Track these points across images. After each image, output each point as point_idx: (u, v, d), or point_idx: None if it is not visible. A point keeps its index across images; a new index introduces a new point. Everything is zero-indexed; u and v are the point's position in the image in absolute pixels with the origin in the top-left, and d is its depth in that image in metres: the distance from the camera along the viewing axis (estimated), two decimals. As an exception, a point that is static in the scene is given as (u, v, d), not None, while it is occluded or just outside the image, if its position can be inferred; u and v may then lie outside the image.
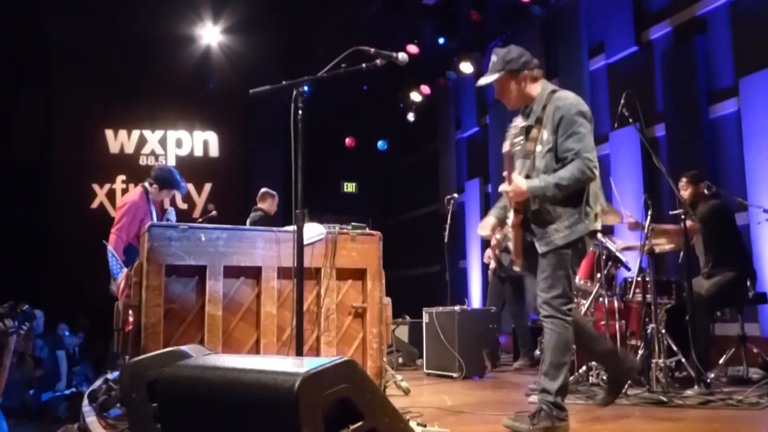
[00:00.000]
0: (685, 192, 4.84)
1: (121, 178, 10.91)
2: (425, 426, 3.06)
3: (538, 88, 3.22)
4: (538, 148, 3.09)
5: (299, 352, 2.74)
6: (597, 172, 3.07)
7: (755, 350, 4.81)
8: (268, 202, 7.06)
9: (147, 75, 10.33)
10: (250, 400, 1.73)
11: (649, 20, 7.13)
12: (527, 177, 3.10)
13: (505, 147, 3.27)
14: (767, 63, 5.71)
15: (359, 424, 1.66)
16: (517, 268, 3.30)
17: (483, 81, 3.26)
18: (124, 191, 10.83)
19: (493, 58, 3.23)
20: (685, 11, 6.65)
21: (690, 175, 4.92)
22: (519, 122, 3.30)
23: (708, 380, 4.25)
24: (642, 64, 7.13)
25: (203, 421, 1.91)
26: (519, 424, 3.01)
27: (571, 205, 3.07)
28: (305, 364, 1.71)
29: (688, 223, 4.63)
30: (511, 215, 3.20)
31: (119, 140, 11.05)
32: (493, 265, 6.58)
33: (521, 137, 3.21)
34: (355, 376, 1.76)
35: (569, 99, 3.15)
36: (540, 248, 3.09)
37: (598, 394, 4.14)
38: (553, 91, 3.20)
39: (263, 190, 7.15)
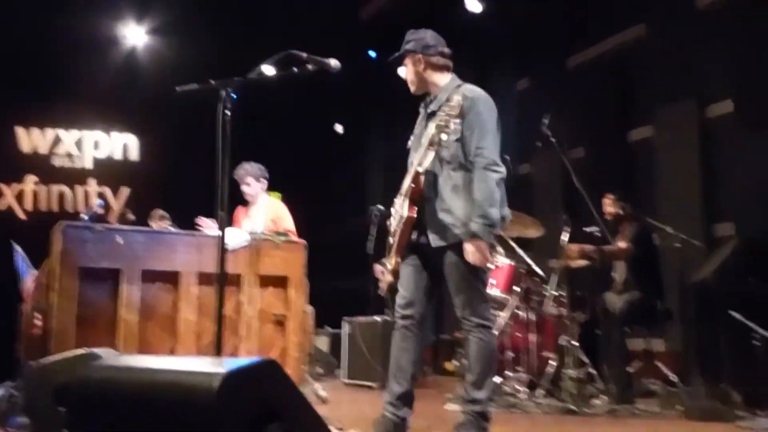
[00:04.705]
0: (609, 208, 5.00)
1: (33, 179, 10.31)
2: (343, 430, 3.05)
3: (446, 79, 3.11)
4: (443, 136, 2.84)
5: (218, 357, 2.68)
6: (503, 169, 2.96)
7: (658, 364, 5.03)
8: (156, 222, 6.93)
9: (65, 73, 9.83)
10: (167, 402, 1.68)
11: (574, 46, 7.42)
12: (433, 173, 2.98)
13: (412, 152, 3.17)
14: (679, 95, 6.01)
15: (277, 424, 1.64)
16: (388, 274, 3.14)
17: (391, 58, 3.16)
18: (35, 193, 10.30)
19: (406, 38, 3.16)
20: (607, 40, 6.95)
21: (617, 194, 5.05)
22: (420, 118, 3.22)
23: (632, 396, 4.38)
24: (566, 86, 7.41)
25: (117, 425, 1.83)
26: None
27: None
28: (225, 364, 1.67)
29: (622, 244, 4.80)
30: (404, 209, 2.98)
31: (32, 139, 10.50)
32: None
33: (423, 127, 3.09)
34: (276, 376, 1.74)
35: (477, 91, 3.03)
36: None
37: (514, 403, 4.25)
38: (459, 85, 3.06)
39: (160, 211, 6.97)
